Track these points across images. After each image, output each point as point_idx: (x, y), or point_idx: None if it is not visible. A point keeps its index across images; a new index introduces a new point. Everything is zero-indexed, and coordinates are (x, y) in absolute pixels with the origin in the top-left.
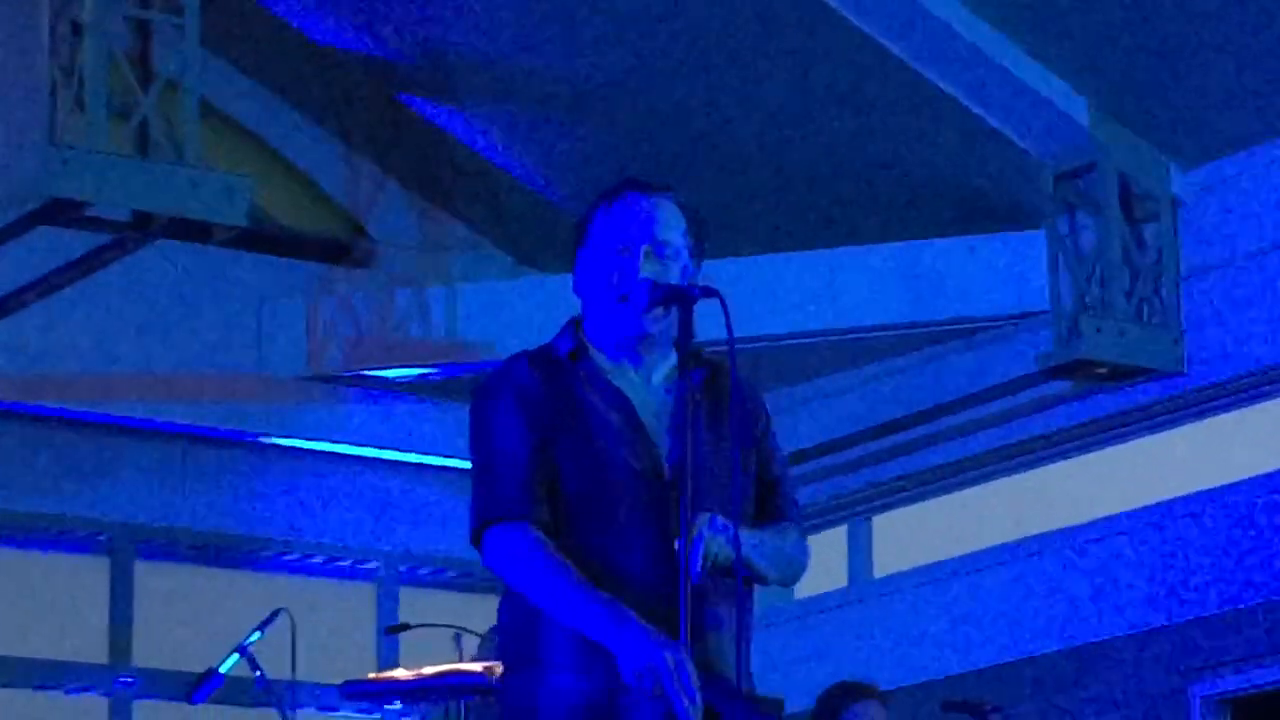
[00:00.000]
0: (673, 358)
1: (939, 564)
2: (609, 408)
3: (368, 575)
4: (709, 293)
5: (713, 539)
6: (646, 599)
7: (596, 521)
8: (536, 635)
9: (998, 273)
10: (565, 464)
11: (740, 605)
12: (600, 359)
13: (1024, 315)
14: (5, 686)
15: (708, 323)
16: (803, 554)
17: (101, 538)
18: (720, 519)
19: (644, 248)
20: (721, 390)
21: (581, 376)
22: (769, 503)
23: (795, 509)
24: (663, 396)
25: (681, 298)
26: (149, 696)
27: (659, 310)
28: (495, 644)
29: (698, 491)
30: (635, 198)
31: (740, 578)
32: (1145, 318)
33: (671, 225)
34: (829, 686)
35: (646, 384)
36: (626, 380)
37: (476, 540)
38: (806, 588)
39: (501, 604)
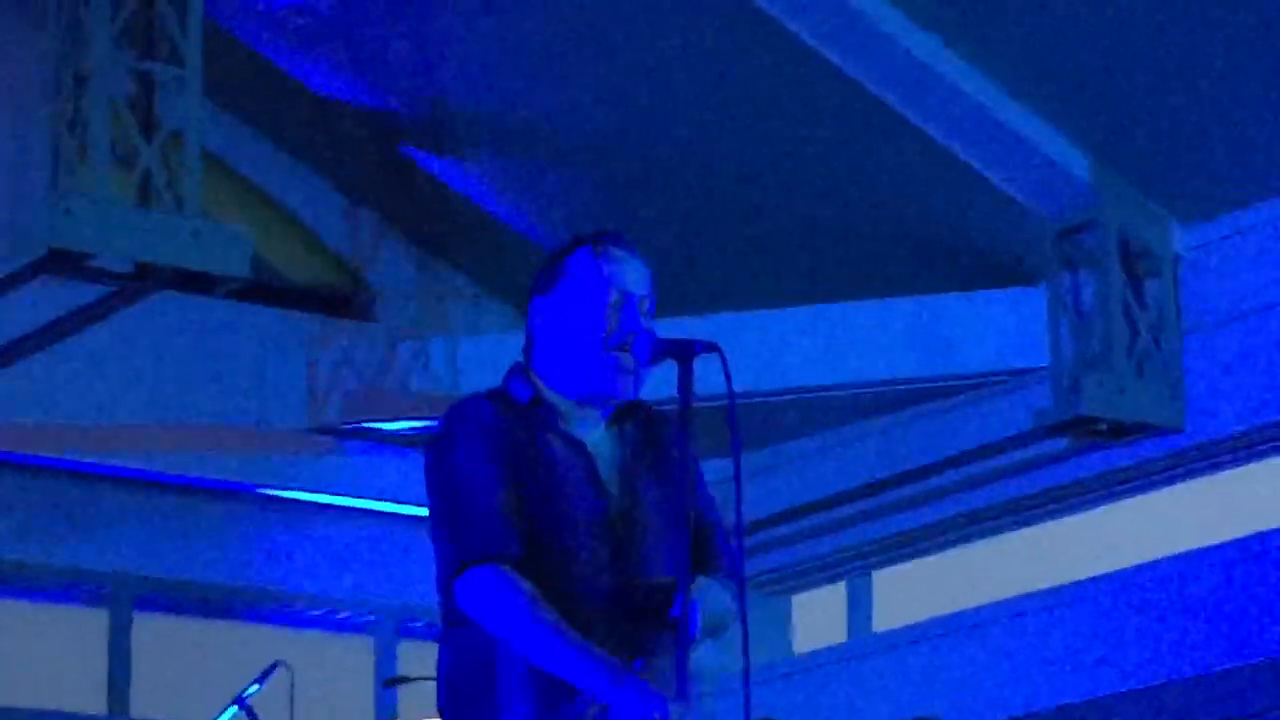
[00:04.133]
0: (611, 407)
1: (938, 620)
2: (569, 455)
3: (366, 628)
4: (710, 348)
5: (716, 603)
6: (601, 647)
7: (551, 566)
8: (492, 680)
9: (997, 328)
10: (528, 507)
11: (681, 660)
12: (558, 404)
13: (1023, 371)
14: None
15: (700, 377)
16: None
17: (100, 589)
18: (717, 582)
19: (640, 299)
20: (660, 439)
21: (541, 422)
22: (706, 551)
23: (728, 558)
24: (610, 444)
25: (683, 352)
26: None
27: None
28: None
29: (648, 544)
30: (625, 248)
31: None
32: (1145, 374)
33: (650, 285)
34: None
35: (597, 429)
36: (582, 426)
37: (449, 582)
38: (806, 642)
39: (444, 648)
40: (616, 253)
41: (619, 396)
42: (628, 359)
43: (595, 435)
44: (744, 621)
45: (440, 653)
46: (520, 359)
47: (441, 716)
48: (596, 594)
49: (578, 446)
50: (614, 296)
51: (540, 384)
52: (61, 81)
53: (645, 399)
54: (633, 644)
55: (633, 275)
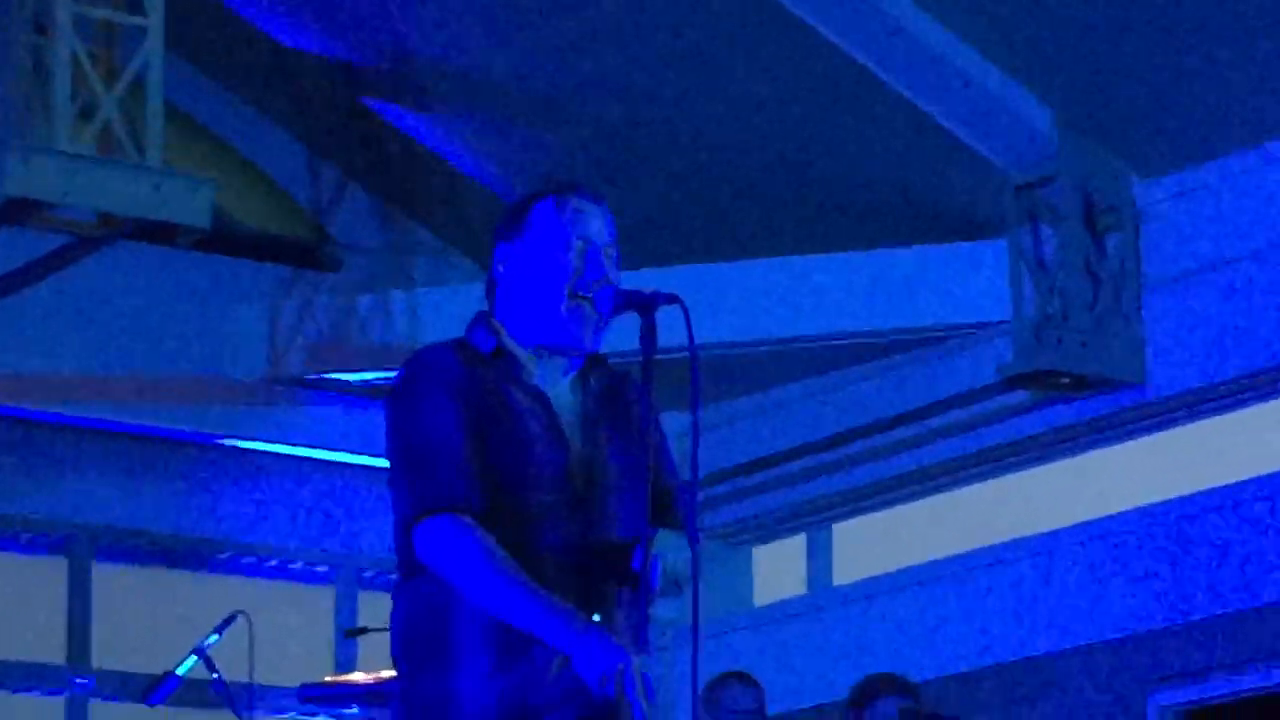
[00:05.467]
0: (579, 360)
1: (899, 572)
2: (531, 406)
3: (326, 578)
4: (671, 299)
5: (676, 558)
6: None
7: (512, 517)
8: (449, 631)
9: (959, 282)
10: (489, 457)
11: (641, 613)
12: (519, 354)
13: (985, 325)
14: None
15: (662, 329)
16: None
17: (60, 539)
18: (676, 535)
19: (606, 249)
20: (623, 394)
21: (503, 372)
22: (666, 505)
23: (687, 513)
24: (571, 397)
25: (645, 304)
26: (106, 698)
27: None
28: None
29: (609, 498)
30: (590, 198)
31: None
32: (1106, 328)
33: (615, 236)
34: (862, 678)
35: (559, 382)
36: (544, 377)
37: (408, 531)
38: (766, 595)
39: (398, 599)
40: (583, 202)
41: (580, 347)
42: (590, 309)
43: (557, 387)
44: (695, 576)
45: (395, 603)
46: (483, 308)
47: (395, 666)
48: (556, 545)
49: (539, 397)
50: (579, 245)
51: (503, 333)
52: (22, 31)
53: (607, 352)
54: (592, 596)
55: (598, 225)
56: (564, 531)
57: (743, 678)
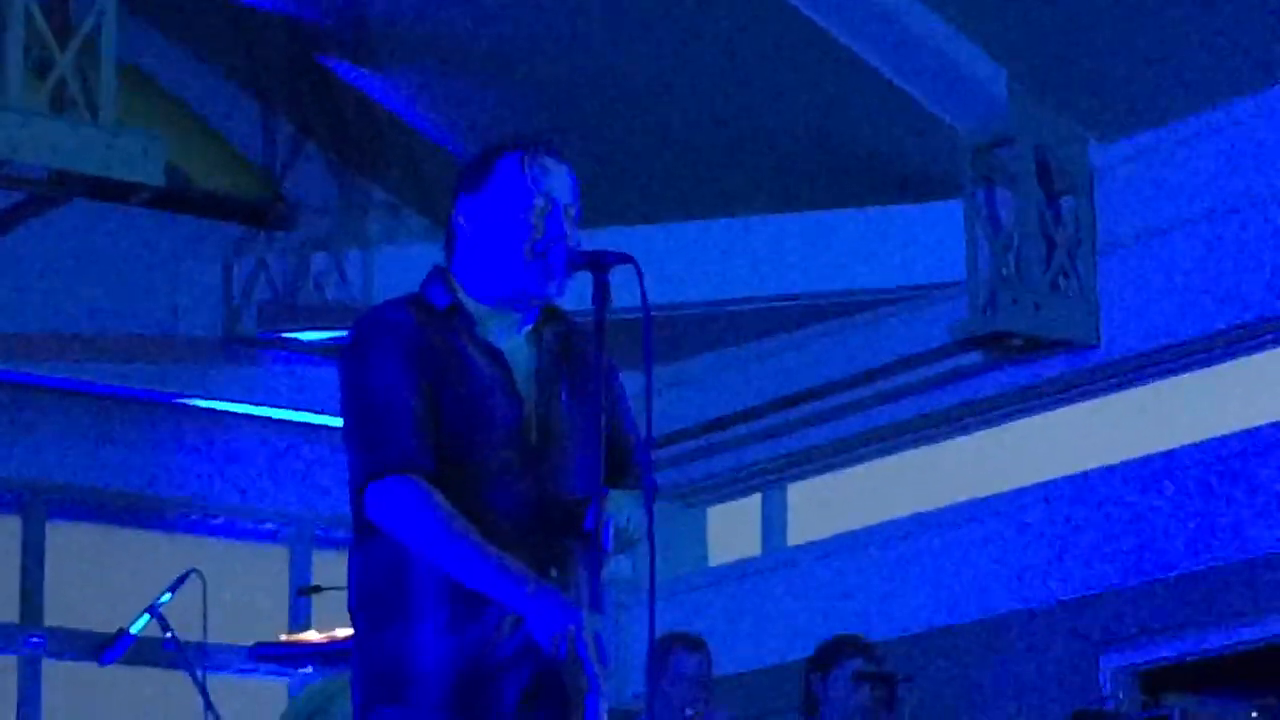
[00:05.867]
0: (534, 315)
1: (852, 533)
2: (485, 362)
3: (280, 537)
4: (625, 259)
5: (626, 518)
6: (512, 556)
7: (466, 475)
8: (405, 590)
9: (913, 243)
10: (443, 414)
11: (594, 573)
12: (475, 310)
13: (939, 286)
14: None
15: (616, 289)
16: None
17: (12, 496)
18: (630, 496)
19: (567, 208)
20: (576, 350)
21: (458, 328)
22: (621, 463)
23: (643, 471)
24: (526, 352)
25: (598, 264)
26: (59, 656)
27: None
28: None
29: (563, 453)
30: (555, 157)
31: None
32: (1061, 290)
33: (577, 195)
34: (825, 640)
35: (514, 337)
36: (498, 333)
37: (360, 492)
38: (720, 555)
39: (354, 558)
40: (546, 160)
41: (542, 294)
42: (547, 266)
43: (512, 343)
44: (650, 535)
45: (350, 561)
46: (444, 260)
47: (352, 620)
48: (509, 503)
49: (494, 354)
50: (540, 203)
51: (459, 289)
52: None
53: (563, 310)
54: (547, 554)
55: (560, 183)
56: (519, 488)
57: (688, 640)
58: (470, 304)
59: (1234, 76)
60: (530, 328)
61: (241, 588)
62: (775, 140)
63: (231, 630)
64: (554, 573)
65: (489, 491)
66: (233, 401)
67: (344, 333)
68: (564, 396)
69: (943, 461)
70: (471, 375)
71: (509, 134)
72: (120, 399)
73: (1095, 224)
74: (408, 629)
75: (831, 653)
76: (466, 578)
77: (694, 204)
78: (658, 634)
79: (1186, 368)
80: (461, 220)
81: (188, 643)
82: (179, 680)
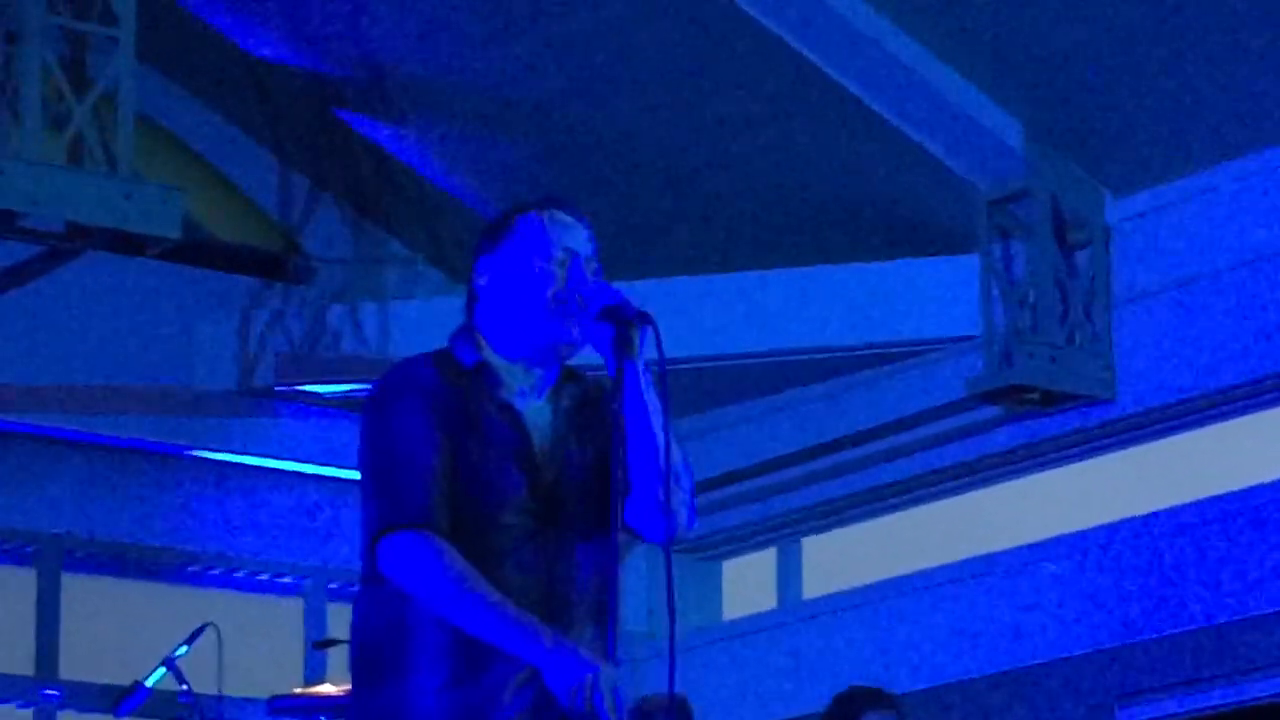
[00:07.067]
0: (555, 374)
1: (868, 587)
2: (502, 424)
3: (295, 590)
4: (643, 318)
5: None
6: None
7: (476, 535)
8: (405, 643)
9: (929, 297)
10: (458, 475)
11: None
12: (500, 368)
13: (955, 340)
14: None
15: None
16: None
17: (29, 549)
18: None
19: (586, 260)
20: (598, 403)
21: (482, 387)
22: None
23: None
24: (546, 416)
25: (619, 316)
26: (74, 709)
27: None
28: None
29: (572, 521)
30: (572, 214)
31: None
32: (1077, 344)
33: (596, 249)
34: (843, 691)
35: (535, 397)
36: (521, 394)
37: (373, 544)
38: (735, 609)
39: (358, 604)
40: (563, 216)
41: (569, 340)
42: (571, 314)
43: (533, 405)
44: (669, 588)
45: (354, 609)
46: (464, 320)
47: (350, 671)
48: (516, 571)
49: (513, 415)
50: (561, 255)
51: (485, 345)
52: None
53: (578, 366)
54: (556, 613)
55: (579, 238)
56: (527, 552)
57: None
58: (496, 361)
59: (1249, 130)
60: (551, 388)
61: (257, 641)
62: (791, 194)
63: (247, 683)
64: (565, 630)
65: (499, 552)
66: (248, 454)
67: (360, 386)
68: (578, 458)
69: (958, 515)
70: (486, 437)
71: (526, 197)
72: (137, 451)
73: (1111, 277)
74: (404, 684)
75: (847, 704)
76: (482, 631)
77: (710, 258)
78: (645, 693)
79: (1202, 422)
80: (483, 280)
81: (203, 695)
82: None
